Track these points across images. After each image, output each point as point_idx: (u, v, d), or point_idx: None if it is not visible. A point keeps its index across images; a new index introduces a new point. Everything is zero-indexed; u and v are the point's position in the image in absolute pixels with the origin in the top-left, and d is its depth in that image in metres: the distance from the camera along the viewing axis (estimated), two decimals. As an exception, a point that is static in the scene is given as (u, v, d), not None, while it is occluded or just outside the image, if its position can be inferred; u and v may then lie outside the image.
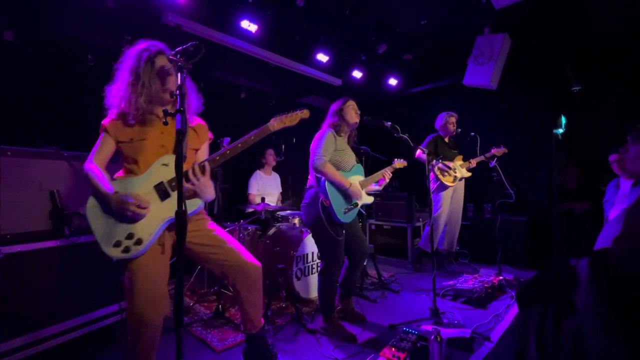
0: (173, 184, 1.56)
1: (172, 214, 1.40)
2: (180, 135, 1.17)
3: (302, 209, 2.50)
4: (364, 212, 4.35)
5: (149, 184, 1.57)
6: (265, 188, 4.16)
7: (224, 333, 2.45)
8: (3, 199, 1.92)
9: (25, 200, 2.01)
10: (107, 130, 1.61)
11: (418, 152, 3.71)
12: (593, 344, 1.17)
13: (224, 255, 1.76)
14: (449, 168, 3.96)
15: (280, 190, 4.41)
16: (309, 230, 2.94)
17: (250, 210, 3.67)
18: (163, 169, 1.59)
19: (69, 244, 2.13)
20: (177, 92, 1.22)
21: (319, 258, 3.18)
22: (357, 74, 4.90)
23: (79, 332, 2.17)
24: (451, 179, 3.97)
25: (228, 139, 2.90)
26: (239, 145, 1.64)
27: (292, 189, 5.07)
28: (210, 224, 1.84)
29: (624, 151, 1.72)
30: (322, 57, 4.34)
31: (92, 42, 3.04)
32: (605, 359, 1.14)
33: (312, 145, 2.41)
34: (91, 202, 1.55)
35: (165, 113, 1.22)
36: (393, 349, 1.97)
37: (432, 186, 4.09)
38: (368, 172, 2.68)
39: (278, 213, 3.79)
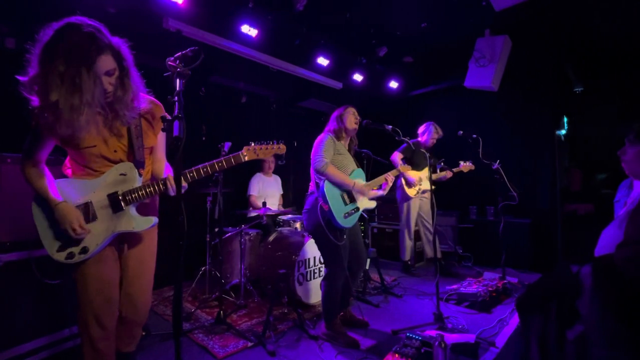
0: (127, 197, 1.47)
1: (122, 228, 1.47)
2: (179, 142, 1.15)
3: (304, 215, 2.50)
4: (366, 216, 4.32)
5: (103, 192, 1.47)
6: (266, 190, 4.15)
7: (226, 339, 2.43)
8: (3, 207, 1.92)
9: (25, 208, 1.99)
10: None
11: (394, 154, 3.92)
12: (598, 354, 1.14)
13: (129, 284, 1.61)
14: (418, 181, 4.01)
15: (281, 192, 4.39)
16: (310, 235, 2.92)
17: (252, 215, 3.65)
18: (120, 179, 1.48)
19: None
20: (176, 98, 1.20)
21: (321, 263, 3.16)
22: (357, 77, 4.89)
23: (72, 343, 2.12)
24: (414, 191, 4.01)
25: (229, 143, 2.87)
26: (203, 171, 1.57)
27: (293, 192, 5.05)
28: (151, 249, 1.68)
29: (622, 153, 1.69)
30: (323, 61, 4.34)
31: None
32: None
33: (312, 150, 2.43)
34: (34, 204, 1.47)
35: (163, 120, 1.20)
36: (396, 355, 1.95)
37: (398, 193, 4.10)
38: (370, 176, 2.66)
39: (279, 217, 3.78)
